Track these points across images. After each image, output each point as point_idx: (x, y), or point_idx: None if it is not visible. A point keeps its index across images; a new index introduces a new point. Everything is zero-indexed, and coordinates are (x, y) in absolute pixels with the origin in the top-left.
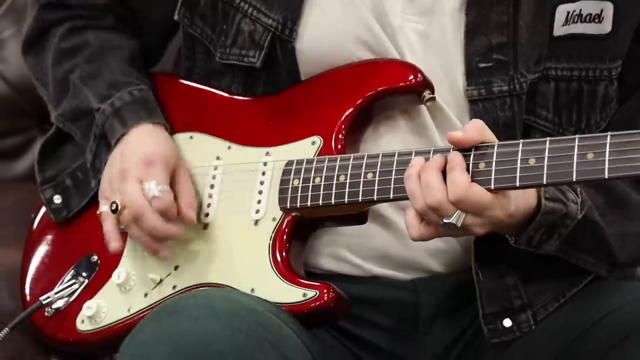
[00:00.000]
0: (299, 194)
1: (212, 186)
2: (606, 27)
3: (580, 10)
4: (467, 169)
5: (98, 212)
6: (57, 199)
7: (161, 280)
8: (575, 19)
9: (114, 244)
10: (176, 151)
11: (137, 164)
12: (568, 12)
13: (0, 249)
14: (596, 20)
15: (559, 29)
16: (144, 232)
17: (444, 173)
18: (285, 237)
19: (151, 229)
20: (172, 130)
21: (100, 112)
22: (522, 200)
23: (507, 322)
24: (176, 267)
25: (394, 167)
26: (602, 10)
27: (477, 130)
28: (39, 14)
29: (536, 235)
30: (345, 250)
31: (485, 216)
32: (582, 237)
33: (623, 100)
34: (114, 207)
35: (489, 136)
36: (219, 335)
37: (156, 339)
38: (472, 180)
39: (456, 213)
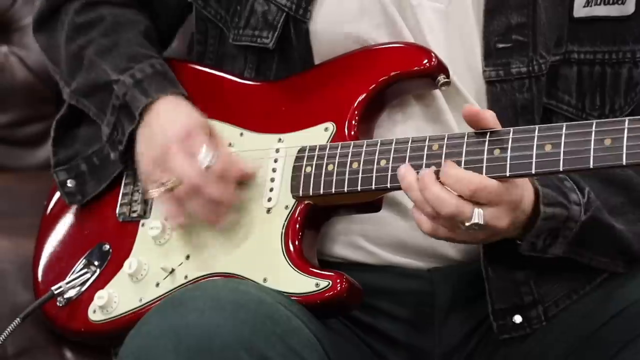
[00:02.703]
0: (312, 182)
1: None
2: (629, 8)
3: None
4: (482, 155)
5: (149, 196)
6: (70, 183)
7: (173, 270)
8: (598, 1)
9: (181, 219)
10: (204, 117)
11: (178, 139)
12: None
13: (17, 239)
14: (619, 2)
15: (579, 10)
16: (205, 204)
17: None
18: (298, 225)
19: (213, 198)
20: None
21: (119, 84)
22: (527, 193)
23: (518, 318)
24: (188, 257)
25: (408, 154)
26: None
27: (492, 115)
28: None
29: (538, 241)
30: (360, 238)
31: (504, 203)
32: (591, 238)
33: None
34: (169, 185)
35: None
36: (223, 328)
37: (160, 331)
38: (487, 166)
39: (474, 212)
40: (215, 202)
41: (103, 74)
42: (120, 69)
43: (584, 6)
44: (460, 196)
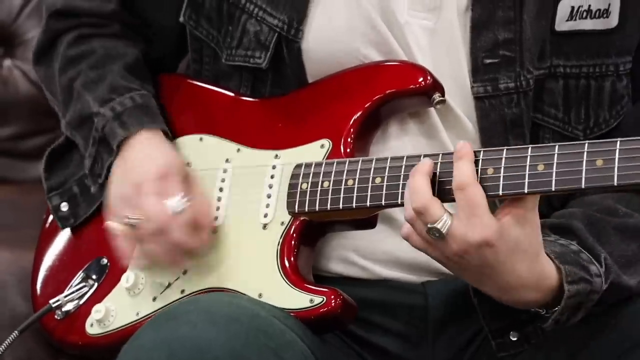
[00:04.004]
0: (307, 198)
1: (220, 189)
2: (613, 21)
3: (589, 6)
4: (476, 174)
5: (108, 227)
6: (64, 207)
7: (170, 284)
8: (584, 15)
9: (126, 261)
10: (181, 158)
11: (152, 179)
12: (572, 7)
13: (18, 251)
14: (604, 15)
15: (562, 24)
16: (167, 246)
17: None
18: (293, 241)
19: (179, 243)
20: (181, 132)
21: (100, 116)
22: (544, 278)
23: (515, 336)
24: (185, 272)
25: (402, 172)
26: (609, 5)
27: None
28: (47, 24)
29: (562, 317)
30: (353, 254)
31: (473, 225)
32: (608, 299)
33: (637, 99)
34: (132, 222)
35: None
36: (216, 342)
37: (153, 344)
38: (480, 185)
39: (442, 218)
40: (178, 246)
41: (87, 105)
42: (102, 101)
43: (567, 20)
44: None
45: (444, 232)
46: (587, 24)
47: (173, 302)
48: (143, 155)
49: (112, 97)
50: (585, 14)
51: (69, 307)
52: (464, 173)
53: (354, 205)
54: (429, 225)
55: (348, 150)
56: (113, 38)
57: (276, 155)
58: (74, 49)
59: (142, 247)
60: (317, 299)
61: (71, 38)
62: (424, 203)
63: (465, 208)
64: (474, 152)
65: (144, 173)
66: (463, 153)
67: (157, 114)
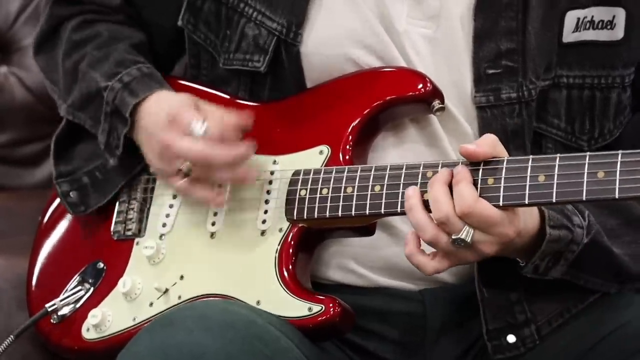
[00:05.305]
0: (306, 205)
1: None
2: (618, 33)
3: (592, 17)
4: (476, 185)
5: (178, 191)
6: (73, 195)
7: (167, 290)
8: (587, 26)
9: (219, 198)
10: (191, 96)
11: (167, 126)
12: (578, 19)
13: (14, 258)
14: (608, 27)
15: (569, 36)
16: (227, 170)
17: (450, 188)
18: (291, 249)
19: (228, 160)
20: None
21: (109, 90)
22: (530, 219)
23: (511, 338)
24: (182, 277)
25: (402, 181)
26: (614, 17)
27: (491, 144)
28: (51, 10)
29: (542, 264)
30: (352, 261)
31: (494, 233)
32: (590, 260)
33: (637, 109)
34: (185, 169)
35: (502, 152)
36: (210, 348)
37: (149, 350)
38: (481, 196)
39: (465, 228)
40: (234, 160)
41: (93, 82)
42: (109, 75)
43: (573, 31)
44: None
45: (468, 240)
46: (590, 35)
47: (170, 307)
48: (154, 115)
49: (119, 71)
50: (588, 24)
51: (65, 311)
52: (465, 197)
53: (353, 213)
54: (452, 237)
55: (347, 156)
56: (118, 23)
57: (274, 161)
58: (78, 33)
59: (214, 178)
60: (316, 308)
61: (75, 23)
62: (446, 213)
63: (480, 225)
64: (474, 163)
65: (160, 127)
66: (460, 177)
67: (162, 79)
